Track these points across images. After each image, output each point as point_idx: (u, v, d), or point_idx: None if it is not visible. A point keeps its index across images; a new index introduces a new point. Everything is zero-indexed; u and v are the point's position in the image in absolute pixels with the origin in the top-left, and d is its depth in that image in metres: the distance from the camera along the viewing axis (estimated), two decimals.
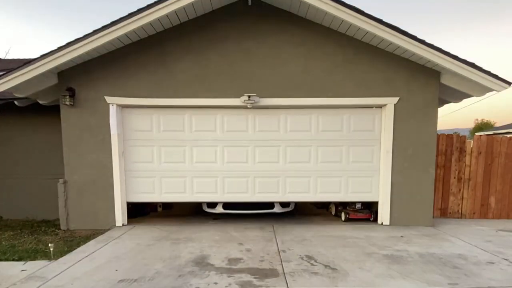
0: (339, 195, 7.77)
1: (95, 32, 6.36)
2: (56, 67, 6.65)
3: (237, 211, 7.93)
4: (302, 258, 5.35)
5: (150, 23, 6.51)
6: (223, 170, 7.65)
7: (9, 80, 6.43)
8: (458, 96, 7.76)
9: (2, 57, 15.12)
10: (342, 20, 6.51)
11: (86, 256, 5.45)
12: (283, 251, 5.72)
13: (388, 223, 7.50)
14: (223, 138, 7.57)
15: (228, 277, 4.61)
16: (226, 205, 7.89)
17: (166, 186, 7.65)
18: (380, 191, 7.58)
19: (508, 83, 6.66)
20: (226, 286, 4.32)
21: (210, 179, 7.67)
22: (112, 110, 7.15)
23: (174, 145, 7.55)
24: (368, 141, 7.58)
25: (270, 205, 7.91)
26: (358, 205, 7.90)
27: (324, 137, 7.59)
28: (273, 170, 7.67)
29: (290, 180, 7.72)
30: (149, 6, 6.23)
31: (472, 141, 8.31)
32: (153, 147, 7.54)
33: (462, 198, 8.38)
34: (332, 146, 7.61)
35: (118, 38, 6.57)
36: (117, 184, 7.32)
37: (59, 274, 4.73)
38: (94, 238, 6.57)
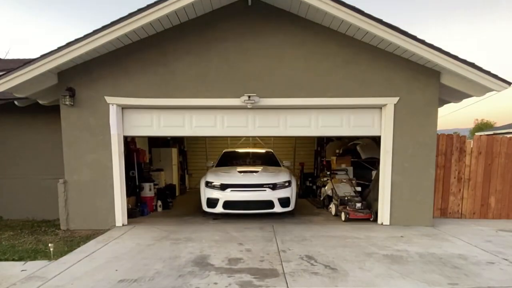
0: (341, 129, 7.68)
1: (95, 32, 6.36)
2: (56, 67, 6.65)
3: (237, 211, 7.94)
4: (302, 258, 5.34)
5: (150, 23, 6.51)
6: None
7: (9, 80, 6.43)
8: (458, 96, 7.76)
9: (2, 57, 15.12)
10: (342, 20, 6.51)
11: (86, 256, 5.45)
12: (283, 251, 5.71)
13: (388, 223, 7.49)
14: None
15: (228, 277, 4.61)
16: (226, 205, 7.89)
17: (164, 120, 7.57)
18: (380, 181, 7.53)
19: (508, 83, 6.67)
20: (226, 286, 4.32)
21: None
22: (112, 110, 7.15)
23: None
24: None
25: (270, 205, 7.91)
26: (358, 205, 7.89)
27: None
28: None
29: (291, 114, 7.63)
30: (149, 6, 6.23)
31: (472, 141, 8.31)
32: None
33: (462, 198, 8.38)
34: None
35: (118, 38, 6.57)
36: (117, 184, 7.31)
37: (59, 274, 4.73)
38: (94, 238, 6.57)
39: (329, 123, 7.59)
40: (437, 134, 7.64)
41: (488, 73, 6.56)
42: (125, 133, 7.53)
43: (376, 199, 7.74)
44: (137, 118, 7.51)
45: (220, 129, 7.63)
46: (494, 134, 23.26)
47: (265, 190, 7.96)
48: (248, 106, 7.15)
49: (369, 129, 7.61)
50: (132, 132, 7.65)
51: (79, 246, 6.05)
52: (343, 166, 10.09)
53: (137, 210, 8.52)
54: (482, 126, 53.55)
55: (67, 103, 6.98)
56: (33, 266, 5.09)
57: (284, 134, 7.83)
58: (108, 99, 7.14)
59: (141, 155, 9.44)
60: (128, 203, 7.79)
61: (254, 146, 14.31)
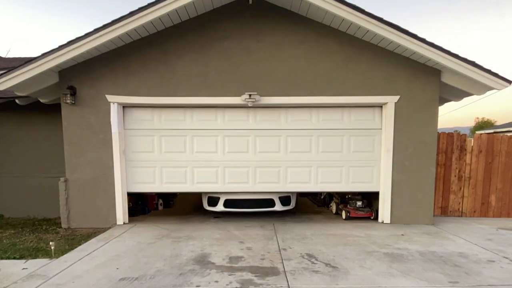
0: (340, 185, 7.73)
1: (97, 30, 6.36)
2: (57, 66, 6.65)
3: (238, 209, 7.95)
4: (302, 257, 5.35)
5: (151, 22, 6.52)
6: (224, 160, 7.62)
7: (10, 78, 6.43)
8: (458, 94, 7.76)
9: (3, 55, 15.13)
10: (343, 19, 6.51)
11: (87, 255, 5.46)
12: (284, 249, 5.72)
13: (388, 222, 7.50)
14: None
15: (229, 275, 4.62)
16: (227, 204, 7.90)
17: (166, 176, 7.64)
18: (381, 183, 7.57)
19: (509, 81, 6.66)
20: (227, 285, 4.33)
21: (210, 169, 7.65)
22: (113, 108, 7.15)
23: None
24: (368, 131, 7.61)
25: (271, 203, 7.91)
26: (359, 204, 7.90)
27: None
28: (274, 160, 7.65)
29: (291, 170, 7.69)
30: (150, 5, 6.23)
31: (472, 140, 8.31)
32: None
33: (463, 197, 8.39)
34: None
35: (119, 37, 6.58)
36: (118, 182, 7.32)
37: (60, 272, 4.74)
38: (95, 236, 6.58)
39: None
40: (438, 132, 7.64)
41: (488, 71, 6.56)
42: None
43: (377, 198, 7.75)
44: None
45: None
46: (494, 132, 23.28)
47: None
48: (249, 105, 7.15)
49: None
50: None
51: (80, 245, 6.06)
52: None
53: (138, 209, 8.52)
54: (483, 124, 53.62)
55: (68, 101, 6.98)
56: (34, 264, 5.10)
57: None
58: (109, 97, 7.15)
59: None
60: (129, 201, 7.79)
61: None
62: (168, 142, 7.54)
